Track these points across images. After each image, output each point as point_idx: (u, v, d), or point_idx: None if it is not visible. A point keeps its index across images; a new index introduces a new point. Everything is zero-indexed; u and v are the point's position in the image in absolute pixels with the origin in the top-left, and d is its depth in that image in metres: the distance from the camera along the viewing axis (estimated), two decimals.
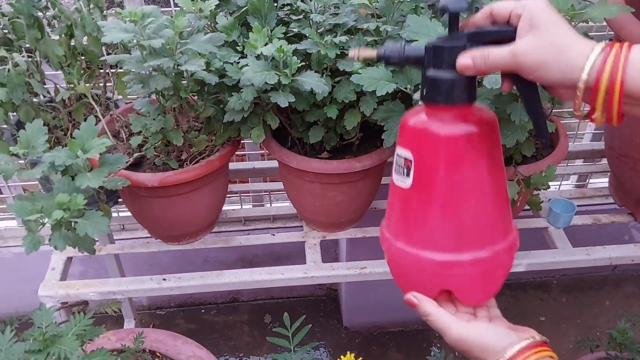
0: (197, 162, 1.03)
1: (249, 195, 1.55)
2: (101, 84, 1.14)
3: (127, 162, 0.97)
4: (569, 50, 0.51)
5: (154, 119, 0.92)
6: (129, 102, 1.20)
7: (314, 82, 0.86)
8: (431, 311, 0.62)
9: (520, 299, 1.96)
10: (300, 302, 1.93)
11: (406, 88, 0.88)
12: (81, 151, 0.85)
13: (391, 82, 0.87)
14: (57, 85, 1.10)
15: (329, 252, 1.79)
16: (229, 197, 1.44)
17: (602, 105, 0.52)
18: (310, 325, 1.04)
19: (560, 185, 1.57)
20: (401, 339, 1.82)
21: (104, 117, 1.11)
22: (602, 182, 1.54)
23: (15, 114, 1.03)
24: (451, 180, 0.59)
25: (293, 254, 1.74)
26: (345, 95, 0.91)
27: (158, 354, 1.06)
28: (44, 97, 1.06)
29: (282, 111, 1.00)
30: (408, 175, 0.61)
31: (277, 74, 0.85)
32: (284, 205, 1.45)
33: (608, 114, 0.52)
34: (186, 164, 1.03)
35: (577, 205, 1.19)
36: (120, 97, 1.17)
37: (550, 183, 1.01)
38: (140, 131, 0.97)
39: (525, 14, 0.53)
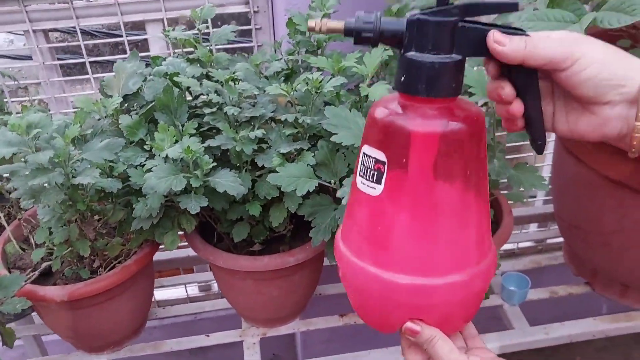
0: (112, 267, 0.93)
1: (196, 284, 1.44)
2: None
3: (32, 276, 0.87)
4: (631, 58, 0.45)
5: (57, 230, 0.83)
6: None
7: (227, 184, 0.78)
8: (436, 334, 0.51)
9: None
10: None
11: (330, 182, 0.81)
12: None
13: (313, 179, 0.80)
14: None
15: (284, 338, 1.68)
16: (175, 286, 1.34)
17: None
18: None
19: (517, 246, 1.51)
20: None
21: (12, 220, 1.01)
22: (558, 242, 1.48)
23: None
24: (433, 188, 0.48)
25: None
26: (267, 192, 0.84)
27: None
28: None
29: (203, 207, 0.92)
30: (379, 181, 0.49)
31: (186, 177, 0.77)
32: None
33: None
34: (100, 270, 0.93)
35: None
36: None
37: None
38: (44, 242, 0.88)
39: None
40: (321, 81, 0.81)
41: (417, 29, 0.46)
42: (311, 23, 0.49)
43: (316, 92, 0.82)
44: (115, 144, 0.75)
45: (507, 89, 0.48)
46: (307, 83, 0.81)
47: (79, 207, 0.76)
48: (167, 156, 0.78)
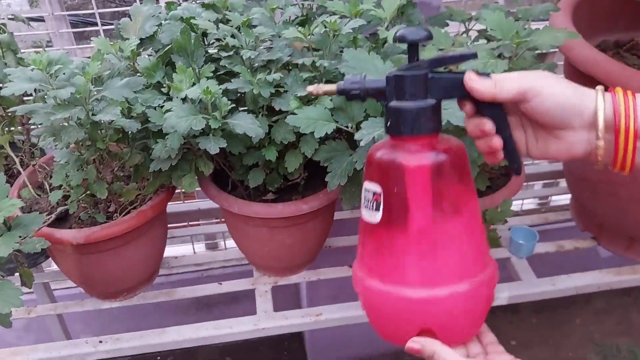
0: (127, 212, 0.94)
1: (203, 241, 1.46)
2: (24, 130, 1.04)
3: (49, 219, 0.88)
4: (583, 89, 0.53)
5: (74, 172, 0.83)
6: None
7: (246, 126, 0.78)
8: (436, 349, 0.57)
9: (489, 322, 1.90)
10: (262, 341, 1.84)
11: (347, 127, 0.81)
12: None
13: (331, 122, 0.80)
14: None
15: (289, 296, 1.70)
16: (182, 238, 1.35)
17: (623, 149, 0.52)
18: None
19: (522, 204, 1.53)
20: None
21: (25, 168, 1.01)
22: (564, 199, 1.50)
23: None
24: (423, 211, 0.56)
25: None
26: (283, 136, 0.84)
27: None
28: None
29: (218, 153, 0.92)
30: (377, 209, 0.58)
31: (205, 118, 0.77)
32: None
33: (622, 161, 0.53)
34: (116, 216, 0.94)
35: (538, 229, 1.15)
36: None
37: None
38: (62, 184, 0.88)
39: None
40: (339, 24, 0.81)
41: (395, 84, 0.56)
42: (309, 88, 0.61)
43: (334, 35, 0.82)
44: (135, 82, 0.76)
45: (489, 125, 0.56)
46: (325, 26, 0.81)
47: (99, 145, 0.77)
48: (185, 97, 0.78)
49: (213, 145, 0.78)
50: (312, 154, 0.84)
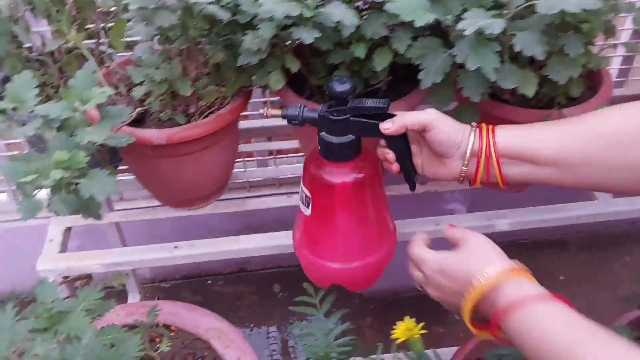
0: (206, 116, 0.92)
1: (254, 159, 1.44)
2: (93, 34, 1.02)
3: (130, 116, 0.86)
4: (464, 126, 0.73)
5: (157, 67, 0.81)
6: (125, 55, 1.09)
7: (341, 14, 0.75)
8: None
9: (537, 258, 1.89)
10: None
11: (445, 19, 0.77)
12: (79, 102, 0.75)
13: (429, 12, 0.76)
14: (44, 37, 0.98)
15: None
16: None
17: (483, 168, 0.72)
18: (334, 295, 0.95)
19: None
20: (418, 304, 1.74)
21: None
22: None
23: None
24: (340, 213, 0.81)
25: None
26: (375, 31, 0.80)
27: (173, 328, 0.97)
28: (31, 47, 0.95)
29: (299, 55, 0.89)
30: (308, 207, 0.82)
31: (299, 6, 0.74)
32: (289, 167, 1.36)
33: (487, 176, 0.72)
34: (194, 118, 0.92)
35: None
36: (114, 50, 1.05)
37: None
38: (143, 82, 0.86)
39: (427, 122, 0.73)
40: None
41: (324, 121, 0.75)
42: (261, 111, 0.81)
43: None
44: None
45: (391, 155, 0.77)
46: None
47: (191, 32, 0.74)
48: None
49: (307, 35, 0.75)
50: (404, 50, 0.80)
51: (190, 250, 1.00)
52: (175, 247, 1.00)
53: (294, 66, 0.84)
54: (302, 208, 0.83)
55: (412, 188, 0.80)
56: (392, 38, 0.82)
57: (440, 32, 0.83)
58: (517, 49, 0.75)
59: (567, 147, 0.67)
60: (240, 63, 0.80)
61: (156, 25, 0.71)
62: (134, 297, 1.41)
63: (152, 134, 0.87)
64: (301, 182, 0.82)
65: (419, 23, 0.74)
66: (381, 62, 0.84)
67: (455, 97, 0.88)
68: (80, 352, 0.62)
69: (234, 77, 0.87)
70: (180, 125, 0.90)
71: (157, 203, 1.08)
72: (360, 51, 0.82)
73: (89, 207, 0.76)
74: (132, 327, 0.92)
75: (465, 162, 0.72)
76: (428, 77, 0.80)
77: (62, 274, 0.99)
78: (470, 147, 0.71)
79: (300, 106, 0.75)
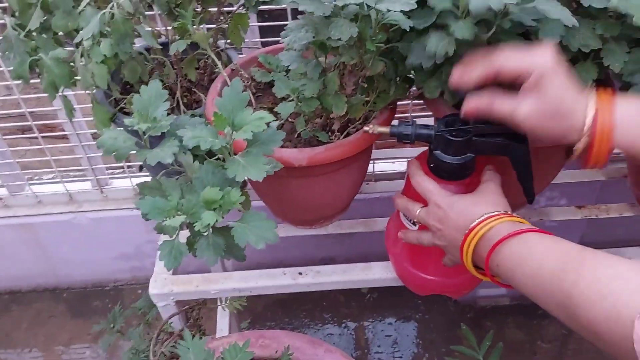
0: (346, 133, 0.80)
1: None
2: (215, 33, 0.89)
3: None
4: (571, 117, 0.59)
5: (311, 81, 0.68)
6: (242, 53, 0.97)
7: (558, 12, 0.59)
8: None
9: None
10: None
11: None
12: (229, 128, 0.63)
13: None
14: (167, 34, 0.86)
15: None
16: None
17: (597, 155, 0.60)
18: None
19: None
20: (519, 313, 1.62)
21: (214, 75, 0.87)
22: None
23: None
24: None
25: None
26: (583, 42, 0.65)
27: None
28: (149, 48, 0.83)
29: None
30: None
31: None
32: None
33: (600, 162, 0.61)
34: (337, 135, 0.80)
35: None
36: (235, 46, 0.92)
37: None
38: (288, 95, 0.73)
39: (535, 74, 0.57)
40: None
41: (441, 139, 0.67)
42: (366, 128, 0.72)
43: None
44: None
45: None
46: None
47: (369, 46, 0.60)
48: None
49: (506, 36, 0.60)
50: (619, 67, 0.65)
51: (317, 278, 0.89)
52: (300, 273, 0.89)
53: None
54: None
55: (530, 201, 0.74)
56: (603, 50, 0.66)
57: None
58: None
59: None
60: (426, 66, 0.65)
61: (334, 37, 0.57)
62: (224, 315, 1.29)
63: (292, 155, 0.75)
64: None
65: None
66: (584, 79, 0.69)
67: None
68: None
69: (391, 89, 0.74)
70: (322, 142, 0.78)
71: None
72: None
73: (234, 250, 0.65)
74: None
75: (576, 154, 0.63)
76: None
77: (176, 298, 0.89)
78: (584, 142, 0.60)
79: (413, 123, 0.69)
